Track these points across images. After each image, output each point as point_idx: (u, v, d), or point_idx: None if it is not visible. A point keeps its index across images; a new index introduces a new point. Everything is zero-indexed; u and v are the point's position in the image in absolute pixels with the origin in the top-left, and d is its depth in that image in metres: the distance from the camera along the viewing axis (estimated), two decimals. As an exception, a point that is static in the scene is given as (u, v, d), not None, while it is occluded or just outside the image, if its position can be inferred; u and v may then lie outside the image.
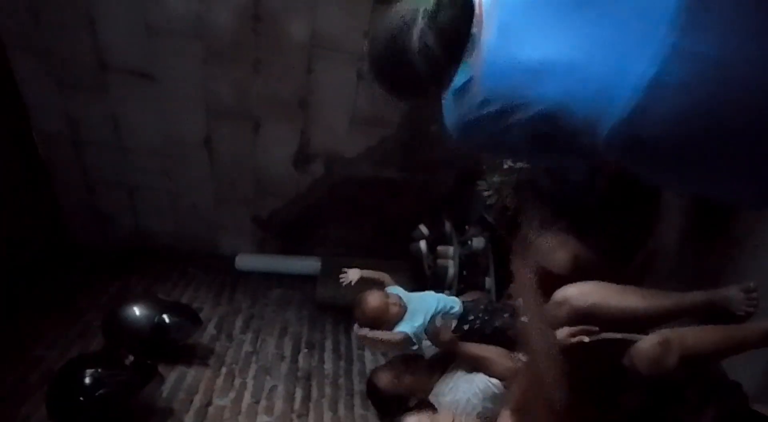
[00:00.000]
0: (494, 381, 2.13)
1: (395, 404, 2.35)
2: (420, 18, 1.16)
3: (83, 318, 2.86)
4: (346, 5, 2.74)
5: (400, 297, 2.50)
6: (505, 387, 2.10)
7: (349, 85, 3.04)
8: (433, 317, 2.40)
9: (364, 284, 2.67)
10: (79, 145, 3.14)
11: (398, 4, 1.23)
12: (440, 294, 2.61)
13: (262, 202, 3.57)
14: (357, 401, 2.68)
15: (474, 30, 1.13)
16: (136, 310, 2.52)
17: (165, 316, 2.54)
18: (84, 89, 2.91)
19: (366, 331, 2.38)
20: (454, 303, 2.51)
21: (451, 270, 2.99)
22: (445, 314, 2.44)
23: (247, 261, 3.70)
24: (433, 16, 1.15)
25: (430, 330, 2.32)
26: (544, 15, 1.01)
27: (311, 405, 2.60)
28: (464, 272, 2.95)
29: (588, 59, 0.93)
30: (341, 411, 2.61)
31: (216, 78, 2.95)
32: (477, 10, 1.13)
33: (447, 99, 1.23)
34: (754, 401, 1.49)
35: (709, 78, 0.81)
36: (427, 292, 2.64)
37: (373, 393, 2.42)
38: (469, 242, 2.98)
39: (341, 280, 2.73)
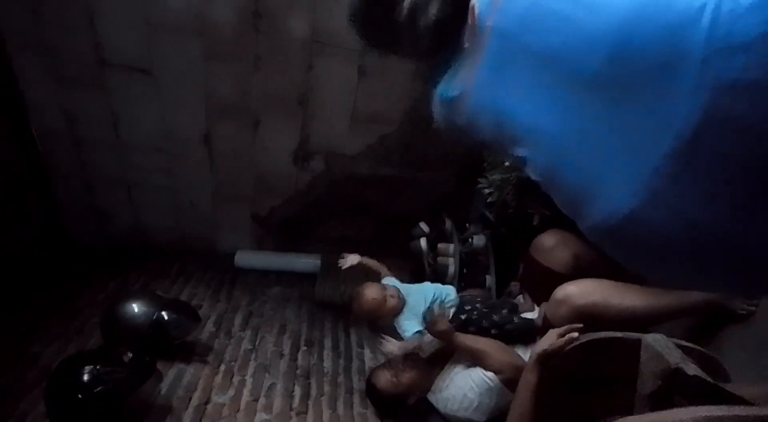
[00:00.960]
0: (489, 374, 2.12)
1: (395, 403, 2.35)
2: None
3: (81, 315, 2.85)
4: (347, 1, 2.73)
5: (398, 290, 2.51)
6: (500, 380, 2.09)
7: (349, 82, 3.03)
8: (430, 306, 2.41)
9: (361, 275, 2.68)
10: (78, 142, 3.13)
11: None
12: (436, 284, 2.62)
13: (262, 199, 3.57)
14: (356, 399, 2.68)
15: (466, 44, 1.10)
16: (135, 307, 2.51)
17: (164, 313, 2.53)
18: (83, 85, 2.90)
19: (392, 347, 2.38)
20: (449, 291, 2.53)
21: (452, 268, 2.99)
22: (441, 303, 2.45)
23: (246, 258, 3.70)
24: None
25: (426, 318, 2.32)
26: (539, 80, 0.94)
27: (310, 403, 2.60)
28: (465, 270, 2.95)
29: (575, 149, 0.89)
30: (340, 409, 2.60)
31: (216, 74, 2.94)
32: (470, 20, 1.07)
33: (435, 97, 1.21)
34: (732, 374, 1.49)
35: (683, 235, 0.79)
36: (423, 284, 2.65)
37: (372, 392, 2.42)
38: (470, 240, 2.98)
39: (339, 264, 2.75)
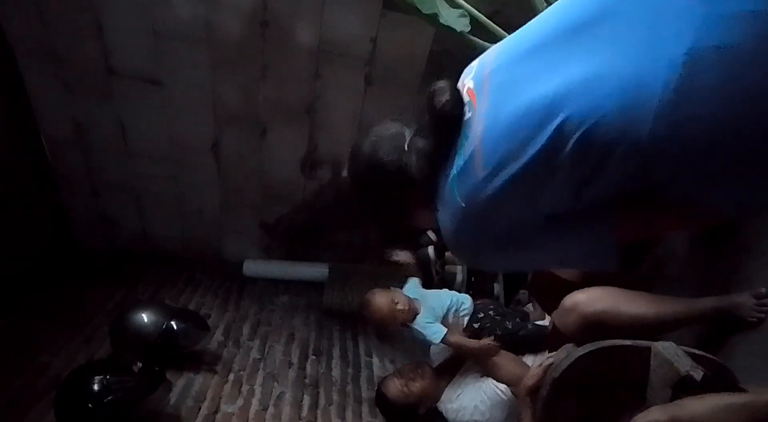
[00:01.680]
0: (502, 387, 2.11)
1: (405, 413, 2.33)
2: (410, 136, 1.18)
3: (90, 323, 2.85)
4: (354, 11, 2.75)
5: (407, 297, 2.46)
6: (512, 393, 2.08)
7: (356, 90, 3.03)
8: (446, 313, 2.40)
9: (370, 283, 2.68)
10: (87, 150, 3.15)
11: (379, 128, 1.24)
12: (452, 292, 2.59)
13: (269, 207, 3.57)
14: (365, 408, 2.67)
15: (468, 114, 1.11)
16: (144, 317, 2.52)
17: (173, 323, 2.53)
18: (91, 94, 2.92)
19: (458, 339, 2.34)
20: (465, 299, 2.49)
21: (460, 276, 2.99)
22: (456, 311, 2.43)
23: (254, 267, 3.71)
24: (423, 125, 1.17)
25: (448, 332, 2.31)
26: (544, 57, 0.99)
27: (319, 413, 2.59)
28: (472, 278, 2.94)
29: (609, 66, 0.88)
30: (349, 418, 2.60)
31: (223, 83, 2.96)
32: (467, 97, 1.12)
33: (446, 196, 1.15)
34: (743, 382, 1.48)
35: (750, 32, 0.77)
36: (441, 290, 2.62)
37: (382, 402, 2.38)
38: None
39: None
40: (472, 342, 2.25)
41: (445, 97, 1.10)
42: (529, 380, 1.82)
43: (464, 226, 1.14)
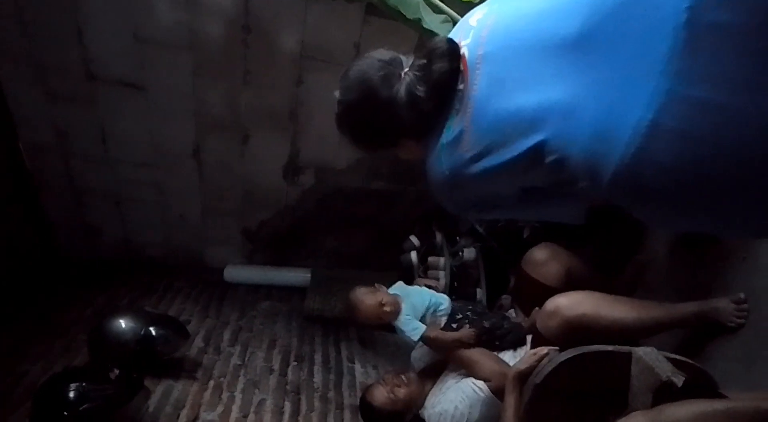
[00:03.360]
0: (480, 384, 2.11)
1: (392, 421, 2.31)
2: (407, 68, 1.20)
3: (69, 331, 2.81)
4: (337, 16, 2.75)
5: (394, 297, 2.47)
6: (490, 389, 2.08)
7: (339, 96, 3.03)
8: (425, 313, 2.41)
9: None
10: (67, 156, 3.11)
11: (375, 52, 1.26)
12: (431, 290, 2.61)
13: (252, 213, 3.55)
14: (347, 415, 2.66)
15: (460, 86, 1.15)
16: (122, 323, 2.48)
17: (152, 329, 2.50)
18: (72, 100, 2.88)
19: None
20: (443, 299, 2.52)
21: (443, 281, 2.99)
22: (435, 312, 2.44)
23: (236, 272, 3.68)
24: (422, 67, 1.19)
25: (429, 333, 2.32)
26: (535, 64, 1.02)
27: (300, 419, 2.57)
28: (455, 283, 2.94)
29: (584, 103, 0.93)
30: (331, 425, 2.59)
31: (205, 89, 2.94)
32: (462, 67, 1.16)
33: (434, 157, 1.22)
34: (723, 387, 1.49)
35: (705, 121, 0.81)
36: (422, 288, 2.63)
37: (368, 411, 2.34)
38: (461, 253, 2.97)
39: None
40: (451, 334, 2.28)
41: (446, 65, 1.15)
42: (522, 364, 1.84)
43: (447, 187, 1.23)
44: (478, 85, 1.10)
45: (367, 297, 2.46)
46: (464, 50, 1.16)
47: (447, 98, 1.16)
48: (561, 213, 1.28)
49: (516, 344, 2.31)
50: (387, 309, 2.38)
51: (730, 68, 0.79)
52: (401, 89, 1.17)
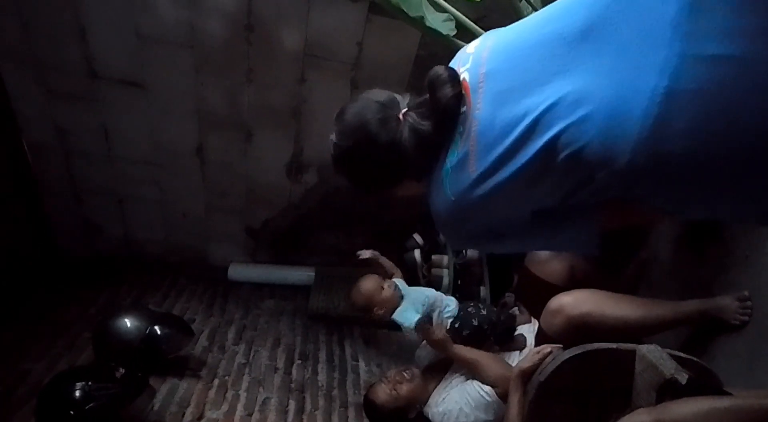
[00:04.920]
0: (486, 389, 2.11)
1: (395, 418, 2.31)
2: (406, 108, 1.19)
3: (72, 329, 2.81)
4: (340, 15, 2.74)
5: (396, 285, 2.53)
6: (497, 394, 2.08)
7: (342, 94, 3.02)
8: (428, 312, 2.46)
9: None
10: (69, 155, 3.12)
11: (370, 93, 1.23)
12: (439, 292, 2.63)
13: (255, 211, 3.55)
14: (351, 413, 2.66)
15: (463, 108, 1.12)
16: (127, 322, 2.49)
17: (156, 328, 2.51)
18: (74, 98, 2.89)
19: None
20: (450, 301, 2.55)
21: (446, 280, 2.99)
22: (441, 313, 2.46)
23: (239, 271, 3.68)
24: (423, 103, 1.17)
25: (423, 326, 2.34)
26: (538, 66, 1.00)
27: (305, 418, 2.58)
28: (459, 281, 2.94)
29: (595, 87, 0.91)
30: (335, 423, 2.59)
31: (208, 87, 2.94)
32: (463, 91, 1.13)
33: (437, 188, 1.18)
34: (727, 384, 1.49)
35: (723, 78, 0.80)
36: (427, 288, 2.67)
37: (372, 410, 2.34)
38: (464, 251, 2.97)
39: (357, 254, 2.85)
40: (441, 332, 2.29)
41: (450, 91, 1.12)
42: (525, 362, 1.84)
43: (453, 217, 1.18)
44: (481, 103, 1.07)
45: (369, 281, 2.57)
46: (464, 76, 1.14)
47: (453, 123, 1.13)
48: (572, 239, 1.19)
49: (507, 335, 2.35)
50: (384, 294, 2.49)
51: (741, 20, 0.78)
52: (404, 131, 1.15)
